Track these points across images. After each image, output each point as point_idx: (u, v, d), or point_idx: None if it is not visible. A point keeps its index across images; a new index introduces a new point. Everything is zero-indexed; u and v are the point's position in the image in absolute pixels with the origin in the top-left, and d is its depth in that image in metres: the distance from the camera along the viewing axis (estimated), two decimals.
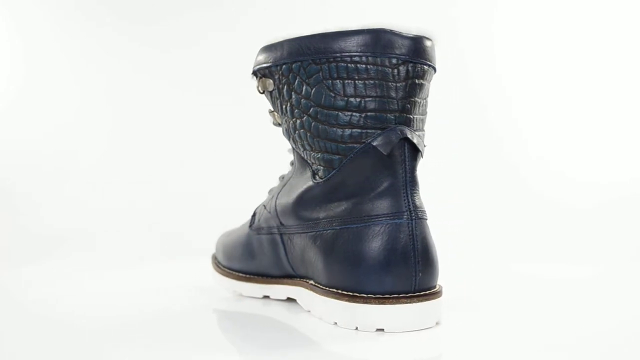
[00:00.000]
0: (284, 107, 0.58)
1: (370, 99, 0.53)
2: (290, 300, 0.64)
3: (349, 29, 0.53)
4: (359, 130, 0.54)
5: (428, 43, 0.55)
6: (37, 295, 0.72)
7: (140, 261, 0.94)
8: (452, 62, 1.06)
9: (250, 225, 0.67)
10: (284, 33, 0.57)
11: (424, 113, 0.57)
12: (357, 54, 0.53)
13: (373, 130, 0.53)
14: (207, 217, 1.05)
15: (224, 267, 0.70)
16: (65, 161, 1.19)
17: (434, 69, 0.56)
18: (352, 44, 0.53)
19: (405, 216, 0.53)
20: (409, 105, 0.54)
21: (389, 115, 0.53)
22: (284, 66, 0.56)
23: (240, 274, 0.68)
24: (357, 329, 0.53)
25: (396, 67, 0.53)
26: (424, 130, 0.57)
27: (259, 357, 0.49)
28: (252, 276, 0.67)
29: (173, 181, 1.15)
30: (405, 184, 0.54)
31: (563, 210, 1.04)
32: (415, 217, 0.53)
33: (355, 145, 0.54)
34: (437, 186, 0.96)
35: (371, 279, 0.52)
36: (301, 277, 0.61)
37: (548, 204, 1.06)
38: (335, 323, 0.54)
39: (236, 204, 0.83)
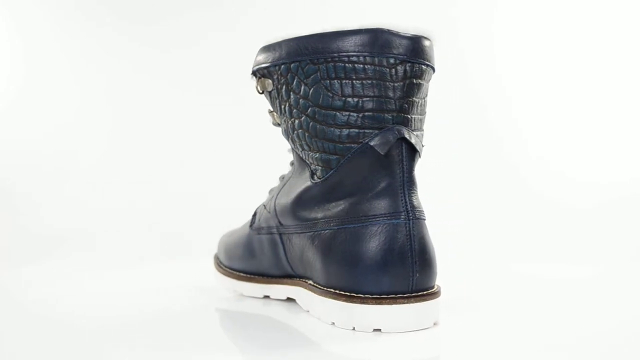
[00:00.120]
0: (282, 107, 0.58)
1: (367, 98, 0.53)
2: (290, 300, 0.64)
3: (347, 28, 0.53)
4: (357, 130, 0.54)
5: (426, 43, 0.55)
6: (37, 295, 0.72)
7: (140, 261, 0.94)
8: (452, 62, 1.06)
9: (251, 225, 0.67)
10: (284, 33, 0.57)
11: (423, 113, 0.57)
12: (355, 53, 0.53)
13: (371, 130, 0.53)
14: (207, 217, 1.05)
15: (225, 266, 0.71)
16: (65, 161, 1.19)
17: (433, 68, 0.56)
18: (349, 43, 0.53)
19: (402, 216, 0.53)
20: (406, 105, 0.54)
21: (386, 115, 0.53)
22: (282, 66, 0.56)
23: (241, 274, 0.68)
24: (354, 329, 0.53)
25: (394, 66, 0.53)
26: (422, 130, 0.57)
27: (258, 357, 0.49)
28: (252, 276, 0.67)
29: (173, 181, 1.15)
30: (403, 184, 0.54)
31: (563, 210, 1.04)
32: (412, 217, 0.53)
33: (352, 145, 0.54)
34: (437, 186, 0.96)
35: (368, 279, 0.52)
36: (300, 277, 0.61)
37: (548, 204, 1.06)
38: (333, 323, 0.54)
39: (236, 204, 0.83)
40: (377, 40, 0.53)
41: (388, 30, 0.53)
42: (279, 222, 0.62)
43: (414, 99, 0.54)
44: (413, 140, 0.54)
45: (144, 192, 1.14)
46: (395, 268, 0.52)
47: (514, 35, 1.18)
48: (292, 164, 0.63)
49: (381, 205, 0.53)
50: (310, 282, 0.58)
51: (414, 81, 0.54)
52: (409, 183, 0.54)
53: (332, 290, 0.54)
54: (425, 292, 0.53)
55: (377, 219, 0.53)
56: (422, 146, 0.56)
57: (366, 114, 0.53)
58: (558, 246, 0.93)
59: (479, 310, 0.61)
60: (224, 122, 1.17)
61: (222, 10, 1.22)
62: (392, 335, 0.51)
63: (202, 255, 0.84)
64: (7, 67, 1.23)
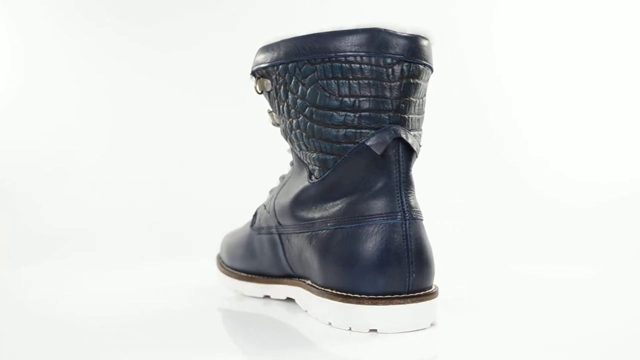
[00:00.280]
0: (281, 107, 0.58)
1: (364, 98, 0.53)
2: (290, 300, 0.64)
3: (344, 28, 0.53)
4: (353, 130, 0.54)
5: (424, 42, 0.55)
6: (37, 295, 0.72)
7: (140, 261, 0.94)
8: (452, 62, 1.06)
9: (252, 225, 0.67)
10: (283, 33, 0.57)
11: (421, 113, 0.56)
12: (352, 53, 0.53)
13: (367, 130, 0.53)
14: (207, 217, 1.05)
15: (227, 266, 0.71)
16: (65, 161, 1.19)
17: (431, 68, 0.56)
18: (346, 43, 0.53)
19: (399, 216, 0.53)
20: (403, 105, 0.54)
21: (383, 115, 0.53)
22: (280, 66, 0.56)
23: (242, 274, 0.68)
24: (350, 329, 0.53)
25: (391, 66, 0.53)
26: (420, 130, 0.57)
27: (256, 357, 0.49)
28: (253, 276, 0.67)
29: (173, 181, 1.15)
30: (400, 184, 0.54)
31: (563, 210, 1.04)
32: (409, 218, 0.53)
33: (349, 145, 0.54)
34: (437, 186, 0.96)
35: (365, 279, 0.52)
36: (299, 277, 0.61)
37: (548, 204, 1.06)
38: (330, 323, 0.54)
39: (237, 204, 0.83)
40: (374, 40, 0.53)
41: (385, 30, 0.53)
42: (278, 222, 0.62)
43: (411, 98, 0.54)
44: (410, 140, 0.54)
45: (144, 192, 1.14)
46: (392, 268, 0.52)
47: (514, 35, 1.18)
48: (292, 164, 0.63)
49: (378, 206, 0.53)
50: (309, 282, 0.58)
51: (411, 81, 0.54)
52: (406, 183, 0.54)
53: (329, 290, 0.54)
54: (422, 293, 0.53)
55: (374, 219, 0.53)
56: (420, 146, 0.56)
57: (363, 113, 0.53)
58: (558, 246, 0.93)
59: (478, 310, 0.61)
60: (224, 122, 1.17)
61: (222, 10, 1.22)
62: (388, 336, 0.51)
63: (202, 256, 0.84)
64: (7, 67, 1.23)
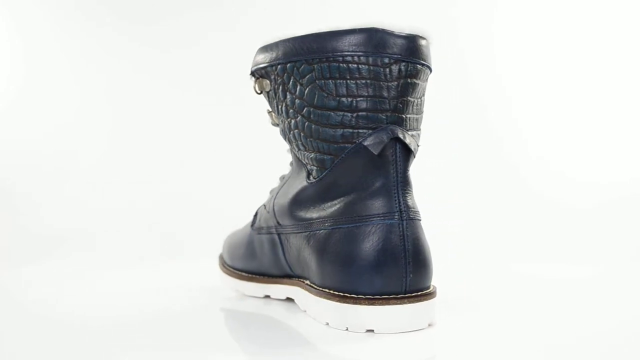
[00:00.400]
0: (280, 107, 0.58)
1: (361, 98, 0.53)
2: (290, 300, 0.64)
3: (342, 28, 0.53)
4: (351, 130, 0.53)
5: (422, 42, 0.55)
6: (37, 295, 0.72)
7: (140, 261, 0.94)
8: (452, 62, 1.06)
9: (252, 225, 0.67)
10: (283, 33, 0.57)
11: (419, 112, 0.56)
12: (349, 53, 0.53)
13: (365, 130, 0.53)
14: (207, 217, 1.05)
15: (228, 266, 0.71)
16: (65, 161, 1.19)
17: (430, 68, 0.56)
18: (344, 43, 0.53)
19: (396, 216, 0.53)
20: (401, 105, 0.54)
21: (380, 115, 0.53)
22: (279, 66, 0.56)
23: (243, 274, 0.68)
24: (347, 329, 0.53)
25: (388, 66, 0.53)
26: (419, 130, 0.57)
27: (257, 357, 0.49)
28: (254, 275, 0.67)
29: (173, 181, 1.15)
30: (397, 184, 0.53)
31: (563, 210, 1.04)
32: (406, 218, 0.53)
33: (347, 145, 0.54)
34: (437, 186, 0.96)
35: (362, 279, 0.52)
36: (298, 277, 0.61)
37: (548, 204, 1.06)
38: (327, 323, 0.54)
39: (237, 205, 0.83)
40: (372, 39, 0.52)
41: (383, 29, 0.53)
42: (278, 222, 0.62)
43: (409, 98, 0.54)
44: (407, 140, 0.53)
45: (144, 192, 1.14)
46: (389, 269, 0.52)
47: (513, 35, 1.18)
48: (291, 164, 0.63)
49: (375, 206, 0.53)
50: (307, 282, 0.58)
51: (409, 81, 0.54)
52: (403, 183, 0.54)
53: (326, 290, 0.54)
54: (419, 293, 0.53)
55: (371, 219, 0.53)
56: (418, 146, 0.56)
57: (360, 113, 0.53)
58: (558, 246, 0.93)
59: (478, 310, 0.61)
60: (224, 122, 1.17)
61: (222, 10, 1.22)
62: (387, 336, 0.51)
63: (202, 255, 0.84)
64: (7, 67, 1.23)
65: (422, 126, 0.58)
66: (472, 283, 0.75)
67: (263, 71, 0.58)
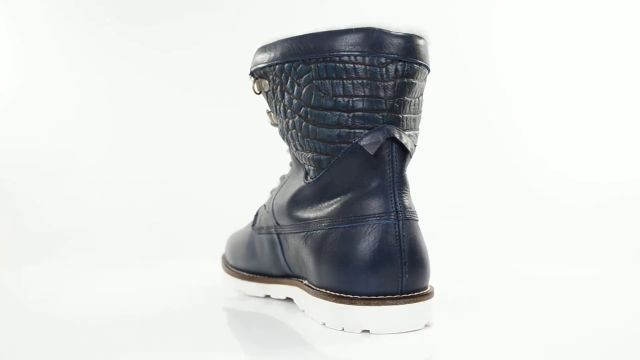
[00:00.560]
0: (278, 107, 0.58)
1: (358, 98, 0.53)
2: (289, 299, 0.64)
3: (339, 28, 0.53)
4: (347, 130, 0.53)
5: (420, 42, 0.54)
6: (37, 295, 0.72)
7: (140, 261, 0.94)
8: (452, 62, 1.06)
9: (253, 225, 0.67)
10: (283, 33, 0.57)
11: (417, 112, 0.56)
12: (346, 53, 0.52)
13: (361, 130, 0.53)
14: (207, 217, 1.05)
15: (230, 266, 0.71)
16: (65, 161, 1.19)
17: (427, 68, 0.56)
18: (340, 43, 0.52)
19: (392, 216, 0.52)
20: (397, 105, 0.54)
21: (377, 115, 0.53)
22: (277, 67, 0.56)
23: (244, 273, 0.68)
24: (343, 329, 0.53)
25: (384, 66, 0.53)
26: (417, 130, 0.56)
27: (257, 357, 0.49)
28: (255, 275, 0.67)
29: (173, 181, 1.15)
30: (393, 184, 0.53)
31: (563, 210, 1.04)
32: (402, 218, 0.53)
33: (343, 145, 0.54)
34: (437, 186, 0.96)
35: (358, 279, 0.52)
36: (297, 277, 0.61)
37: (548, 204, 1.06)
38: (324, 323, 0.54)
39: (237, 205, 0.83)
40: (368, 39, 0.52)
41: (380, 29, 0.53)
42: (277, 222, 0.62)
43: (406, 98, 0.54)
44: (404, 140, 0.53)
45: (144, 192, 1.14)
46: (384, 269, 0.51)
47: (513, 35, 1.18)
48: (291, 164, 0.63)
49: (371, 206, 0.53)
50: (305, 282, 0.58)
51: (406, 80, 0.54)
52: (400, 183, 0.54)
53: (323, 290, 0.54)
54: (416, 294, 0.52)
55: (368, 219, 0.53)
56: (415, 146, 0.56)
57: (356, 113, 0.53)
58: (558, 246, 0.93)
59: (478, 310, 0.61)
60: (224, 122, 1.17)
61: (222, 10, 1.22)
62: (384, 336, 0.51)
63: (202, 255, 0.84)
64: (7, 67, 1.23)
65: (422, 126, 0.58)
66: (472, 283, 0.75)
67: (262, 71, 0.58)
